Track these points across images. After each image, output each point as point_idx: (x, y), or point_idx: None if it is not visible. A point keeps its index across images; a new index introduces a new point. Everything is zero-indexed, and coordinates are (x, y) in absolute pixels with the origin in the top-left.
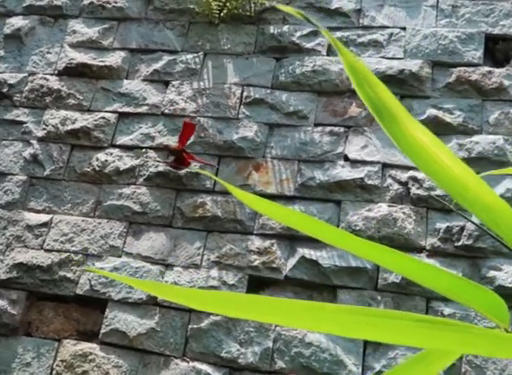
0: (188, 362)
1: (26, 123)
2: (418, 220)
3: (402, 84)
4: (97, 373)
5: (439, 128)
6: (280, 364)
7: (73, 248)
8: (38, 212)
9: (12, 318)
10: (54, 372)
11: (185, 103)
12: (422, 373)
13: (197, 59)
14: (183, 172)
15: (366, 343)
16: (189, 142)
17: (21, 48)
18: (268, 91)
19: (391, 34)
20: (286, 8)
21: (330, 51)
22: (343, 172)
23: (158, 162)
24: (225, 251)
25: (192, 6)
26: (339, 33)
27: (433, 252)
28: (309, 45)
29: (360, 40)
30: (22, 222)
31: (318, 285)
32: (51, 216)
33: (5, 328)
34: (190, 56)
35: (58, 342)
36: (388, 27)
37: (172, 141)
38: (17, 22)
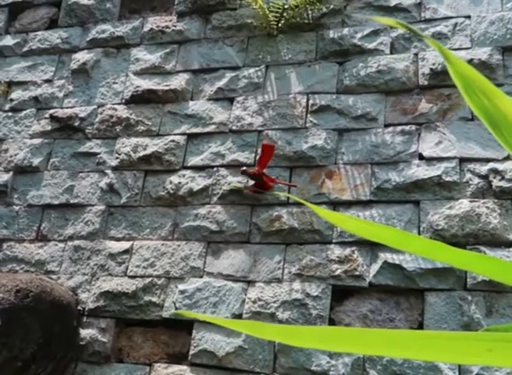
0: None
1: (99, 153)
2: (504, 214)
3: None
4: None
5: None
6: (373, 373)
7: (155, 273)
8: (119, 239)
9: (103, 346)
10: None
11: (251, 118)
12: None
13: (259, 73)
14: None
15: None
16: (259, 156)
17: (88, 82)
18: (334, 96)
19: (455, 24)
20: (386, 21)
21: (394, 49)
22: (419, 171)
23: (240, 188)
24: (306, 262)
25: (250, 21)
26: (401, 30)
27: None
28: (371, 46)
29: (424, 34)
30: (104, 251)
31: (405, 290)
32: (131, 242)
33: (97, 356)
34: (252, 70)
35: (150, 367)
36: (451, 17)
37: (244, 157)
38: (82, 56)
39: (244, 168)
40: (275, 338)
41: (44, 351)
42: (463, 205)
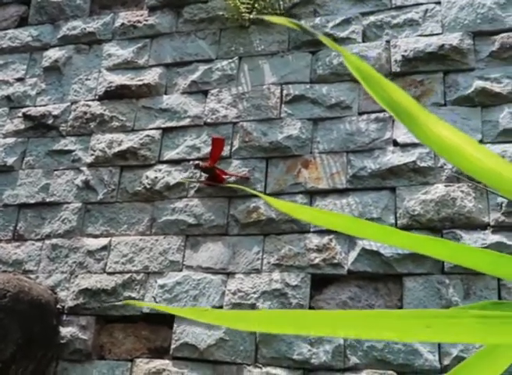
0: (261, 367)
1: (74, 151)
2: (478, 197)
3: (444, 60)
4: None
5: (488, 99)
6: (354, 360)
7: (134, 268)
8: (96, 236)
9: (84, 343)
10: None
11: (226, 110)
12: (488, 370)
13: (232, 65)
14: (232, 179)
15: None
16: (235, 148)
17: (61, 79)
18: (308, 86)
19: (426, 10)
20: (278, 20)
21: (366, 37)
22: (394, 157)
23: (193, 182)
24: (285, 252)
25: (221, 13)
26: (372, 18)
27: (498, 228)
28: (343, 34)
29: (395, 21)
30: (82, 248)
31: (383, 276)
32: (109, 238)
33: (78, 354)
34: (225, 63)
35: (131, 362)
36: (422, 4)
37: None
38: (54, 54)
39: (197, 162)
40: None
41: (24, 351)
42: (438, 190)
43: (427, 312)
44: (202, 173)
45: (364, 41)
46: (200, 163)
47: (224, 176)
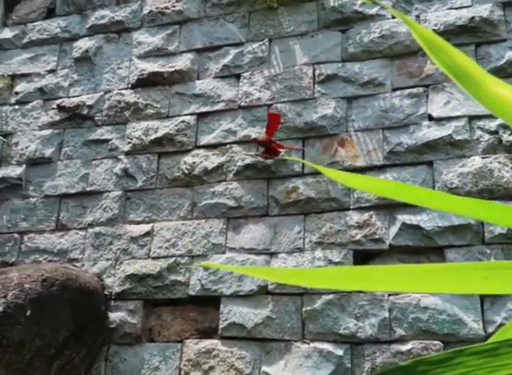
0: (308, 343)
1: (111, 139)
2: None
3: (475, 32)
4: (222, 366)
5: None
6: (400, 332)
7: (178, 252)
8: (139, 223)
9: (133, 327)
10: (182, 372)
11: (259, 92)
12: None
13: (263, 47)
14: (270, 160)
15: (483, 298)
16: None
17: (92, 69)
18: (340, 64)
19: None
20: None
21: None
22: (430, 132)
23: (249, 155)
24: (326, 230)
25: None
26: None
27: None
28: (372, 11)
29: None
30: (125, 235)
31: (424, 249)
32: (151, 224)
33: (128, 337)
34: (255, 45)
35: (181, 343)
36: None
37: (255, 132)
38: (84, 44)
39: (254, 136)
40: (289, 281)
41: (76, 337)
42: (475, 162)
43: (483, 265)
44: (259, 147)
45: (393, 17)
46: (258, 137)
47: (279, 149)
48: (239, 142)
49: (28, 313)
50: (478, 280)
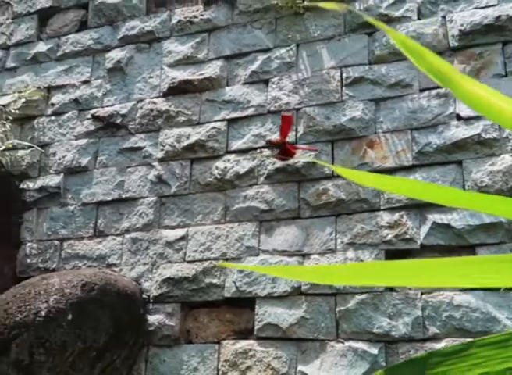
0: (343, 342)
1: (144, 147)
2: None
3: (501, 31)
4: (259, 366)
5: None
6: (433, 330)
7: (213, 255)
8: (173, 228)
9: (171, 329)
10: (220, 372)
11: (288, 97)
12: None
13: (290, 52)
14: (300, 164)
15: None
16: (300, 133)
17: (125, 78)
18: (367, 67)
19: None
20: (329, 6)
21: (421, 14)
22: (459, 131)
23: (267, 157)
24: (357, 231)
25: (275, 1)
26: None
27: None
28: (398, 13)
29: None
30: (161, 240)
31: (456, 247)
32: (186, 229)
33: (167, 339)
34: (283, 51)
35: (218, 344)
36: None
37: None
38: (116, 54)
39: (268, 139)
40: (307, 279)
41: (116, 340)
42: (505, 161)
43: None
44: (273, 149)
45: (419, 19)
46: (272, 139)
47: (294, 151)
48: (268, 146)
49: (69, 317)
50: (508, 272)
